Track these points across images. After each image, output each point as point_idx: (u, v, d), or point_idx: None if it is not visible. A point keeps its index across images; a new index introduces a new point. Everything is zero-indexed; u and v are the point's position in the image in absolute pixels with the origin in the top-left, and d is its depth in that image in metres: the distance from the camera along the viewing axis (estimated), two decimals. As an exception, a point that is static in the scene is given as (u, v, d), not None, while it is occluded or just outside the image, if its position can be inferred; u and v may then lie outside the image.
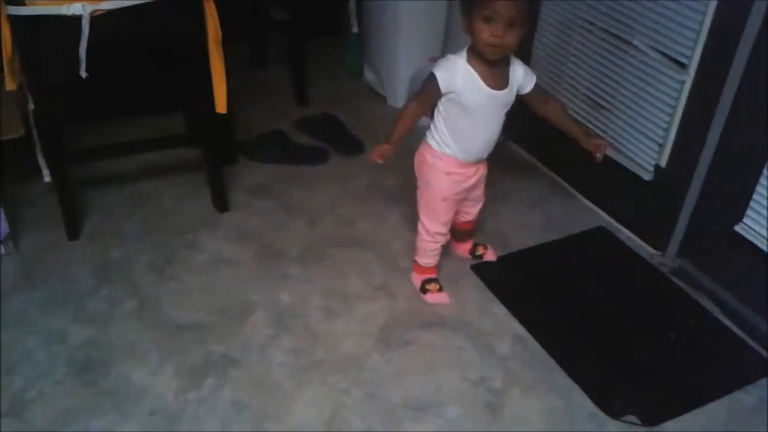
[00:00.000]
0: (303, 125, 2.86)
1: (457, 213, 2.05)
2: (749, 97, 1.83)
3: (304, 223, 2.34)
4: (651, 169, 2.18)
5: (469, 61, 1.73)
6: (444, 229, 2.00)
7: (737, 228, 1.92)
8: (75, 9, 1.81)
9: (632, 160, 2.24)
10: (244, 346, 1.87)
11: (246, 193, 2.47)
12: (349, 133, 2.80)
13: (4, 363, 1.78)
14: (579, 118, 2.39)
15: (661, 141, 2.13)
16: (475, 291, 2.08)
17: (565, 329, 1.96)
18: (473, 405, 1.73)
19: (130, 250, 2.18)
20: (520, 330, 1.95)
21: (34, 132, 2.12)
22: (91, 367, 1.78)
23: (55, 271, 2.08)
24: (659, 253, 2.22)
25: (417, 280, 2.09)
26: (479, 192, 2.04)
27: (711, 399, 1.76)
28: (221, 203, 2.37)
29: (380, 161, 1.77)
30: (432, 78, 1.74)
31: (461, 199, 2.00)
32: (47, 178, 2.19)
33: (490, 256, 2.21)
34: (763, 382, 1.82)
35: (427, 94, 1.78)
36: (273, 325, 1.93)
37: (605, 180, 2.38)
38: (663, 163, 2.15)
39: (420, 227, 2.01)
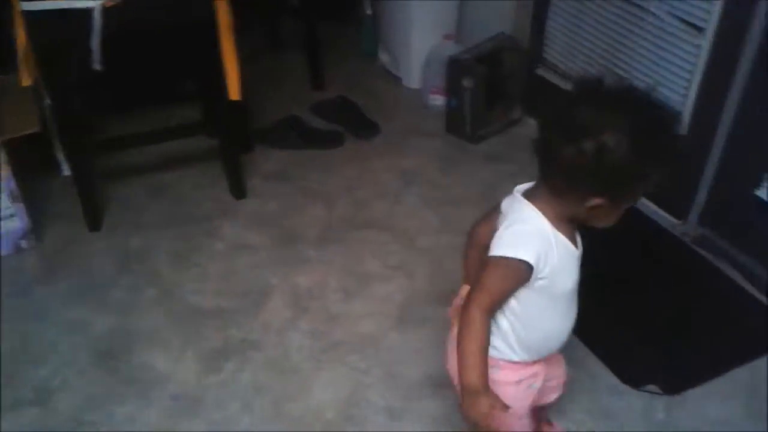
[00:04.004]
0: (318, 109, 2.85)
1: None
2: (768, 59, 1.78)
3: (321, 206, 2.35)
4: (670, 137, 2.14)
5: (553, 224, 1.12)
6: None
7: (758, 193, 1.87)
8: (86, 2, 1.82)
9: (650, 129, 2.20)
10: (263, 329, 1.88)
11: (263, 179, 2.48)
12: (364, 115, 2.79)
13: (29, 354, 1.82)
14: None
15: (679, 108, 2.08)
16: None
17: (580, 300, 1.93)
18: (493, 381, 1.72)
19: (150, 240, 2.20)
20: (540, 305, 1.93)
21: (51, 126, 2.15)
22: (114, 356, 1.81)
23: (77, 262, 2.12)
24: (681, 221, 2.18)
25: None
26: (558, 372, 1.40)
27: (734, 366, 1.73)
28: (239, 190, 2.38)
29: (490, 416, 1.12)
30: (514, 264, 1.09)
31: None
32: (66, 172, 2.22)
33: None
34: (789, 349, 1.78)
35: (505, 288, 1.14)
36: (291, 308, 1.95)
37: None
38: (682, 130, 2.10)
39: None
